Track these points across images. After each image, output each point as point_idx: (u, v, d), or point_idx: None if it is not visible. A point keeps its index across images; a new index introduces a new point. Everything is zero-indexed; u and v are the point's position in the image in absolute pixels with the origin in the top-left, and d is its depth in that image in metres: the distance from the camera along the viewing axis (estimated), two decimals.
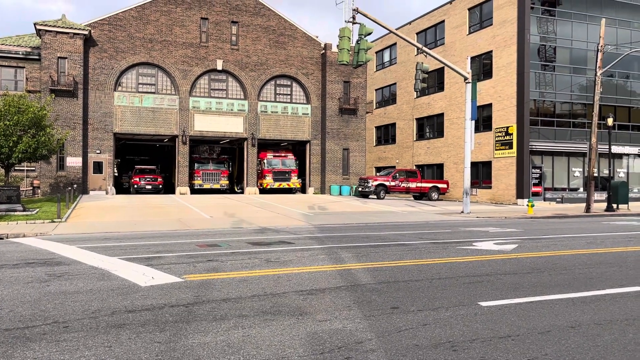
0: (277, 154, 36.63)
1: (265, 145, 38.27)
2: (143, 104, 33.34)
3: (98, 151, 32.04)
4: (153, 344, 4.89)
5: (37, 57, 31.08)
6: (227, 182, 37.11)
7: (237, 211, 22.97)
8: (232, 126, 35.58)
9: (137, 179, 35.11)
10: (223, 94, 35.53)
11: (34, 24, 30.16)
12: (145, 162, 44.72)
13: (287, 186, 36.01)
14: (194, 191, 35.14)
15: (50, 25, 30.36)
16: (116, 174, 36.76)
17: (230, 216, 20.91)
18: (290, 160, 36.68)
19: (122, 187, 39.04)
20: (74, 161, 31.09)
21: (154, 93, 33.69)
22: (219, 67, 34.88)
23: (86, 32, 30.97)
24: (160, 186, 35.44)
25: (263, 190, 35.82)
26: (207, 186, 35.87)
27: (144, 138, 37.35)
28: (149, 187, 34.87)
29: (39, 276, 8.25)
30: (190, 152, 35.43)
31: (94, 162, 32.07)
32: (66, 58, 30.69)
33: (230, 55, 35.16)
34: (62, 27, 30.48)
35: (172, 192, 35.28)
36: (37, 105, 23.61)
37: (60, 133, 27.40)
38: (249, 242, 12.84)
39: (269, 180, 35.47)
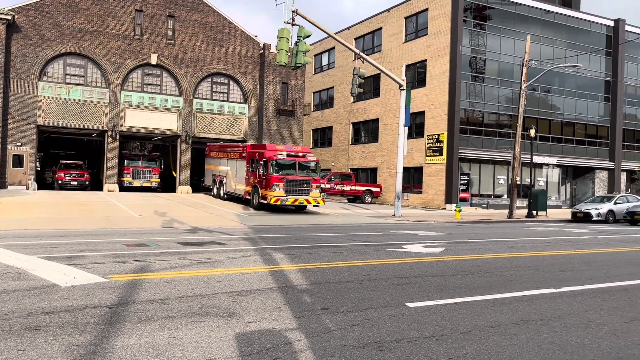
0: (293, 153, 25.09)
1: (197, 143, 36.92)
2: (70, 96, 31.76)
3: (19, 144, 30.19)
4: (72, 346, 4.66)
5: None
6: (159, 180, 35.94)
7: (168, 210, 22.36)
8: (166, 123, 34.58)
9: (62, 174, 33.38)
10: (157, 90, 34.49)
11: None
12: (71, 157, 42.56)
13: (304, 202, 24.49)
14: (123, 189, 33.85)
15: None
16: (39, 169, 34.66)
17: (161, 215, 20.33)
18: (312, 163, 25.25)
19: (45, 182, 36.98)
20: None
21: (82, 85, 32.17)
22: (154, 62, 33.84)
23: (9, 17, 29.14)
24: (87, 182, 33.89)
25: (265, 206, 24.89)
26: (137, 184, 34.65)
27: (70, 132, 35.55)
28: (74, 183, 33.25)
29: None
30: (120, 148, 34.09)
31: (13, 155, 30.18)
32: None
33: (165, 50, 34.20)
34: None
35: (100, 189, 33.80)
36: None
37: None
38: (180, 242, 12.54)
39: (278, 193, 23.62)
